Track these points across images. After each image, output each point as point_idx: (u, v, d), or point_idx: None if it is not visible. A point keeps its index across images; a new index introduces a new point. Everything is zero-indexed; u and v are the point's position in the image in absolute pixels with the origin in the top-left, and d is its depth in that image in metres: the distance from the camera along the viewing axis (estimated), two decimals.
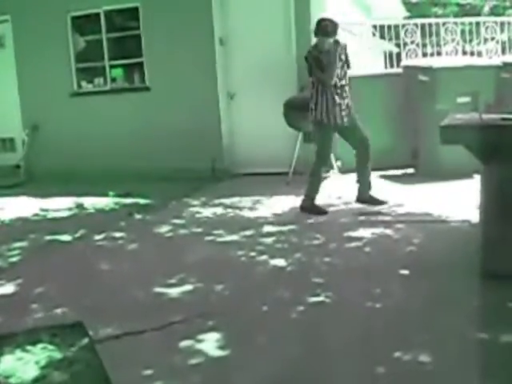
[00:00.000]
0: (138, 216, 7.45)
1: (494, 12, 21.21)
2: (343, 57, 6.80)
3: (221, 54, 9.76)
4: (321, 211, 6.84)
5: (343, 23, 10.45)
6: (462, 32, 9.54)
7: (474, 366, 3.17)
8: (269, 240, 5.92)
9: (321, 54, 6.75)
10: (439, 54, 9.52)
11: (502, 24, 9.51)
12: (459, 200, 6.74)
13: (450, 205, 6.60)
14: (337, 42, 6.80)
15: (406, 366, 3.26)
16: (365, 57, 9.97)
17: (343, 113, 6.82)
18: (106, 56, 10.65)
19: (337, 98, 6.77)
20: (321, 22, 6.76)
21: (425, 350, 3.36)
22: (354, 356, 3.40)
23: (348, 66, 6.88)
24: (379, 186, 8.17)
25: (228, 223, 6.71)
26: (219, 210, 7.42)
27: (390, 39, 9.91)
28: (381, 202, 6.94)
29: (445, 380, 3.10)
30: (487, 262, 4.28)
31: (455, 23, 9.55)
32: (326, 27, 6.67)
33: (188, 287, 4.69)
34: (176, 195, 8.35)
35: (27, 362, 3.57)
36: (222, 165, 9.72)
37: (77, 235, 6.65)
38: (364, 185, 6.98)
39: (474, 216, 5.20)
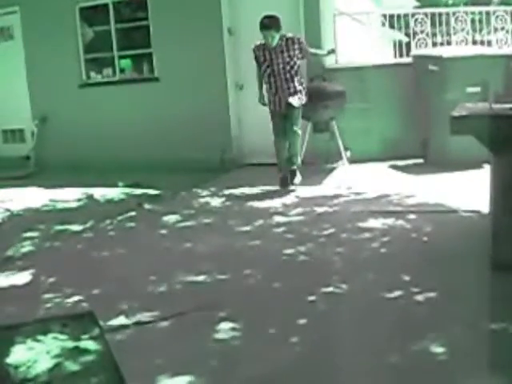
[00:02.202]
0: (147, 206, 7.47)
1: (505, 1, 21.05)
2: (293, 50, 7.40)
3: (229, 45, 9.73)
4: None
5: (352, 13, 10.45)
6: (472, 21, 9.46)
7: (486, 356, 3.17)
8: (279, 230, 5.92)
9: (261, 51, 7.53)
10: (449, 43, 9.44)
11: None
12: (469, 190, 6.71)
13: (460, 195, 6.58)
14: (283, 37, 7.42)
15: (418, 356, 3.25)
16: (374, 46, 9.93)
17: (282, 99, 7.54)
18: (114, 47, 10.65)
19: (273, 86, 7.55)
20: (262, 18, 7.47)
21: (437, 341, 3.36)
22: (367, 346, 3.40)
23: (302, 57, 7.54)
24: (389, 175, 8.18)
25: (238, 213, 6.71)
26: (228, 201, 7.43)
27: (400, 28, 9.86)
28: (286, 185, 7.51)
29: (457, 370, 3.09)
30: (497, 252, 4.26)
31: (465, 12, 9.48)
32: (267, 22, 7.38)
33: (198, 277, 4.69)
34: (185, 185, 8.36)
35: (38, 351, 3.60)
36: (231, 155, 9.72)
37: (87, 225, 6.67)
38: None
39: (484, 206, 5.19)
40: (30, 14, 10.97)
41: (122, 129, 10.27)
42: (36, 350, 3.61)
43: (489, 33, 9.76)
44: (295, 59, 7.44)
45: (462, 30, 9.33)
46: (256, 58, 7.66)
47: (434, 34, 9.53)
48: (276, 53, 7.38)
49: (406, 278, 4.37)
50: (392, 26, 10.06)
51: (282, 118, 7.63)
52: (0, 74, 11.53)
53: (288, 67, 7.40)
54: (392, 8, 11.72)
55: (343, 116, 8.74)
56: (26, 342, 3.73)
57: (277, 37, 7.35)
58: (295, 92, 7.50)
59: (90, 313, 4.11)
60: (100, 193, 8.43)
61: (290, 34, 7.51)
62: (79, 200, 8.15)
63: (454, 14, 9.41)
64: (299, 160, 7.72)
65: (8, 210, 7.76)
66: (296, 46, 7.39)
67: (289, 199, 7.19)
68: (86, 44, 10.93)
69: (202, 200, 7.59)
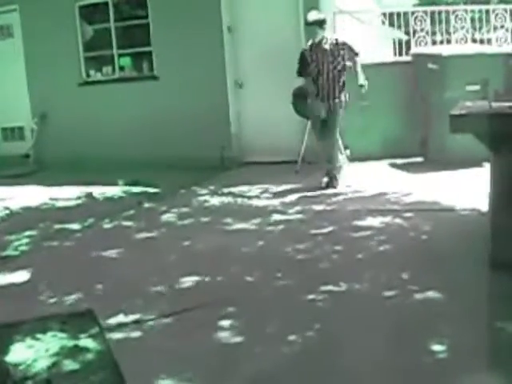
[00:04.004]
0: (146, 204, 7.47)
1: (504, 0, 21.04)
2: (337, 51, 7.50)
3: (229, 43, 9.73)
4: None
5: (352, 11, 10.44)
6: (472, 20, 9.46)
7: (486, 355, 3.18)
8: (277, 228, 5.93)
9: (309, 51, 7.64)
10: (449, 41, 9.44)
11: None
12: (468, 189, 6.71)
13: (459, 193, 6.58)
14: (333, 40, 7.57)
15: (419, 355, 3.25)
16: (374, 44, 9.93)
17: (322, 102, 7.56)
18: (114, 45, 10.64)
19: (316, 88, 7.60)
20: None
21: (436, 339, 3.36)
22: (365, 345, 3.41)
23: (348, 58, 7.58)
24: (388, 173, 8.18)
25: (237, 212, 6.72)
26: (228, 199, 7.43)
27: (400, 27, 9.85)
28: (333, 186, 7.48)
29: (458, 369, 3.09)
30: (496, 251, 4.26)
31: (465, 11, 9.48)
32: (310, 18, 7.60)
33: (198, 275, 4.69)
34: (184, 184, 8.36)
35: (38, 349, 3.60)
36: (231, 153, 9.71)
37: (86, 224, 6.67)
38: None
39: (483, 205, 5.20)
40: (29, 12, 10.94)
41: (121, 127, 10.26)
42: (35, 348, 3.61)
43: (488, 31, 9.75)
44: (339, 59, 7.51)
45: (462, 28, 9.32)
46: (302, 61, 7.75)
47: (434, 33, 9.53)
48: (322, 54, 7.51)
49: (405, 277, 4.38)
50: (392, 25, 10.05)
51: (321, 121, 7.67)
52: None
53: (331, 67, 7.50)
54: (392, 6, 11.71)
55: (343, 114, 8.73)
56: (26, 340, 3.73)
57: (320, 33, 7.52)
58: (335, 96, 7.56)
59: (89, 311, 4.11)
60: (99, 191, 8.42)
61: (340, 39, 7.66)
62: (78, 198, 8.15)
63: (453, 12, 9.40)
64: (335, 164, 7.71)
65: (7, 208, 7.76)
66: (341, 47, 7.51)
67: (288, 197, 7.19)
68: (86, 42, 10.92)
69: (202, 198, 7.59)
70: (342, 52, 7.51)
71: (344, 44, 7.55)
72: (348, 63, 7.64)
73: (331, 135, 7.63)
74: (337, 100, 7.55)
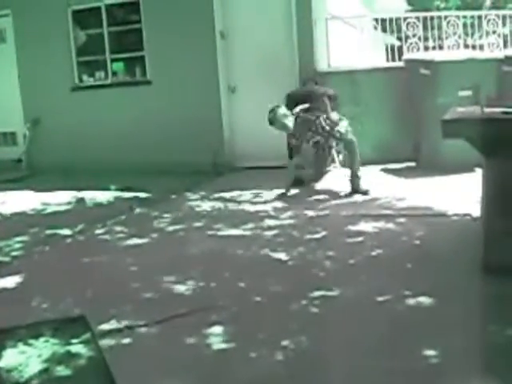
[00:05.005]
0: (138, 210, 7.45)
1: (496, 5, 21.13)
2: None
3: (222, 48, 9.74)
4: None
5: (345, 17, 10.48)
6: (464, 25, 9.50)
7: (479, 358, 3.18)
8: (270, 234, 5.92)
9: None
10: (441, 47, 9.48)
11: (504, 17, 9.46)
12: (461, 194, 6.73)
13: (452, 198, 6.60)
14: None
15: (411, 359, 3.25)
16: (366, 50, 9.95)
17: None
18: (107, 50, 10.63)
19: None
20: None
21: (429, 344, 3.36)
22: (357, 350, 3.40)
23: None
24: (380, 179, 8.19)
25: (228, 217, 6.71)
26: (219, 204, 7.41)
27: (392, 32, 9.88)
28: (364, 192, 7.31)
29: (450, 373, 3.09)
30: (489, 255, 4.27)
31: (457, 17, 9.51)
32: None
33: (189, 281, 4.68)
34: (176, 189, 8.35)
35: (29, 355, 3.58)
36: (223, 158, 9.71)
37: (77, 229, 6.65)
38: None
39: (476, 210, 5.21)
40: (22, 16, 10.93)
41: (113, 132, 10.25)
42: (27, 354, 3.60)
43: (480, 37, 9.79)
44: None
45: (454, 33, 9.36)
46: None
47: (426, 38, 9.57)
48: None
49: (398, 281, 4.38)
50: (384, 30, 10.08)
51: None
52: None
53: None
54: (384, 12, 11.76)
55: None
56: (18, 346, 3.71)
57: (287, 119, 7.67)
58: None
59: (81, 317, 4.09)
60: (91, 196, 8.40)
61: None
62: (70, 203, 8.13)
63: (445, 17, 9.44)
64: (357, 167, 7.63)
65: None
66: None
67: (280, 203, 7.19)
68: (79, 47, 10.90)
69: (193, 203, 7.58)
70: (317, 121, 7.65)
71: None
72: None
73: (354, 147, 7.57)
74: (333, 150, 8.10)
